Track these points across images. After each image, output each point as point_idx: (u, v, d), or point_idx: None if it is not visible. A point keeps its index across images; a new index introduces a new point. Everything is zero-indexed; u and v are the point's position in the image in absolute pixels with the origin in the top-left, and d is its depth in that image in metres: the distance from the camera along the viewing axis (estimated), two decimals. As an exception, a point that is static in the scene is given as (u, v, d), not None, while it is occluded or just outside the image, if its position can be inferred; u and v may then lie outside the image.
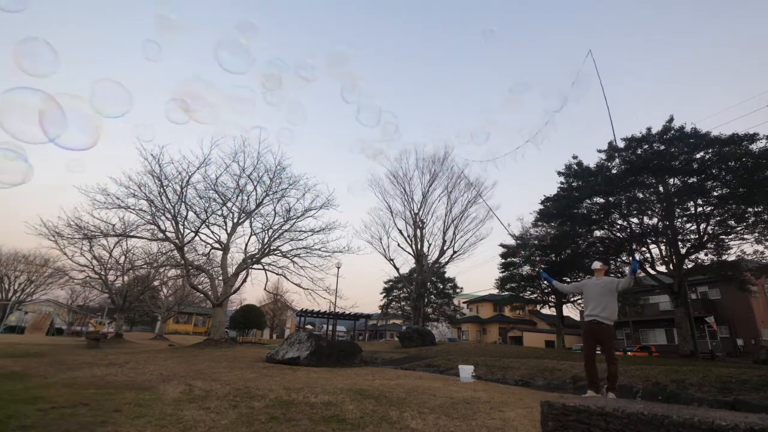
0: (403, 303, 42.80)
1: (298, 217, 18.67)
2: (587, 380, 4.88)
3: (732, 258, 17.28)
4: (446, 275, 39.81)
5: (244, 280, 18.36)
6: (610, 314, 4.75)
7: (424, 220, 26.12)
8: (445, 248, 25.78)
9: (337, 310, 23.93)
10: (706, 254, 17.71)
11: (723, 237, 16.71)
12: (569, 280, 24.20)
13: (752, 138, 14.85)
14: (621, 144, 17.93)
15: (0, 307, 35.21)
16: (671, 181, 16.95)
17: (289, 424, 3.65)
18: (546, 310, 33.22)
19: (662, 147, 16.58)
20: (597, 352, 4.86)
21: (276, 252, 18.56)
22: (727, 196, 15.46)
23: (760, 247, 16.35)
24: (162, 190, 15.86)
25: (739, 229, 16.21)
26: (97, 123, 4.90)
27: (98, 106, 5.01)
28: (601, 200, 18.32)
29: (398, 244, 26.39)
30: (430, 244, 26.28)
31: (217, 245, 18.13)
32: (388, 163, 26.82)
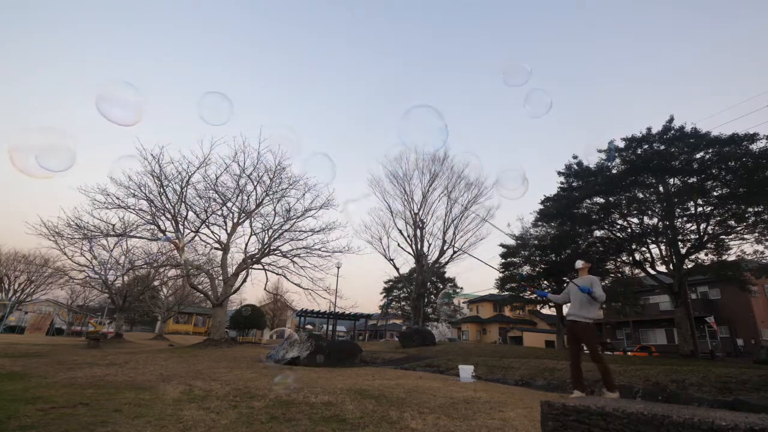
0: (403, 303, 42.82)
1: (298, 217, 18.69)
2: (572, 380, 4.83)
3: (732, 258, 17.28)
4: (446, 275, 39.80)
5: (244, 280, 18.39)
6: (587, 312, 4.64)
7: (424, 220, 26.14)
8: (445, 248, 25.81)
9: (337, 310, 23.93)
10: (706, 254, 17.71)
11: (723, 237, 16.71)
12: (568, 280, 24.21)
13: (752, 138, 14.86)
14: (621, 144, 17.95)
15: (0, 307, 35.22)
16: (671, 181, 16.96)
17: (289, 424, 3.65)
18: (546, 310, 33.28)
19: (662, 147, 16.59)
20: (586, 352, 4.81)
21: (276, 252, 18.57)
22: (727, 196, 15.46)
23: (760, 247, 16.36)
24: (162, 190, 15.87)
25: (739, 229, 16.21)
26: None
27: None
28: (601, 200, 18.32)
29: (398, 244, 26.41)
30: (430, 244, 26.31)
31: (217, 245, 18.14)
32: (388, 163, 26.82)
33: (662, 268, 18.40)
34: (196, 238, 17.49)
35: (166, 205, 16.07)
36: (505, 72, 6.54)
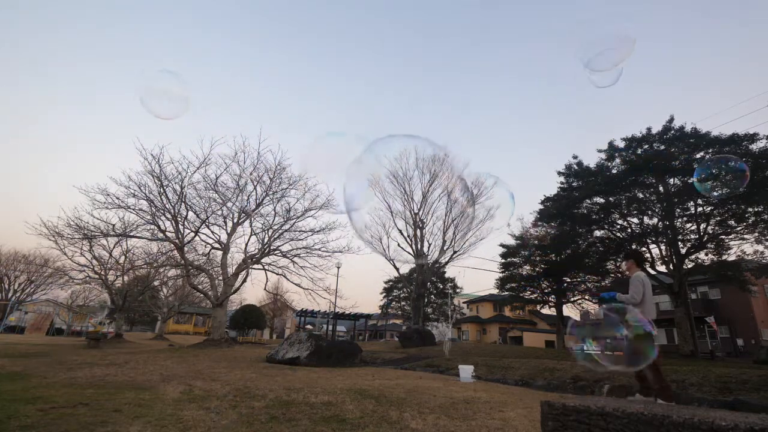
0: (403, 303, 42.85)
1: (298, 217, 18.66)
2: (638, 382, 4.81)
3: (732, 258, 17.29)
4: (446, 275, 39.80)
5: (244, 280, 18.37)
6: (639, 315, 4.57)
7: (424, 220, 26.12)
8: (445, 248, 25.76)
9: (337, 310, 23.92)
10: (706, 254, 17.73)
11: (723, 237, 16.73)
12: (569, 279, 24.25)
13: (752, 138, 14.89)
14: (621, 144, 17.97)
15: (0, 307, 35.23)
16: (671, 181, 16.98)
17: (289, 424, 3.65)
18: (546, 310, 33.20)
19: (662, 147, 16.61)
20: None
21: (276, 252, 18.55)
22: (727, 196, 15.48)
23: (760, 247, 16.38)
24: (162, 190, 15.86)
25: (739, 229, 16.23)
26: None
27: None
28: (601, 200, 18.34)
29: (398, 244, 26.35)
30: (430, 244, 26.28)
31: (217, 245, 18.13)
32: (388, 163, 26.78)
33: (662, 268, 18.41)
34: (196, 238, 17.48)
35: (166, 205, 16.07)
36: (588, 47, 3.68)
